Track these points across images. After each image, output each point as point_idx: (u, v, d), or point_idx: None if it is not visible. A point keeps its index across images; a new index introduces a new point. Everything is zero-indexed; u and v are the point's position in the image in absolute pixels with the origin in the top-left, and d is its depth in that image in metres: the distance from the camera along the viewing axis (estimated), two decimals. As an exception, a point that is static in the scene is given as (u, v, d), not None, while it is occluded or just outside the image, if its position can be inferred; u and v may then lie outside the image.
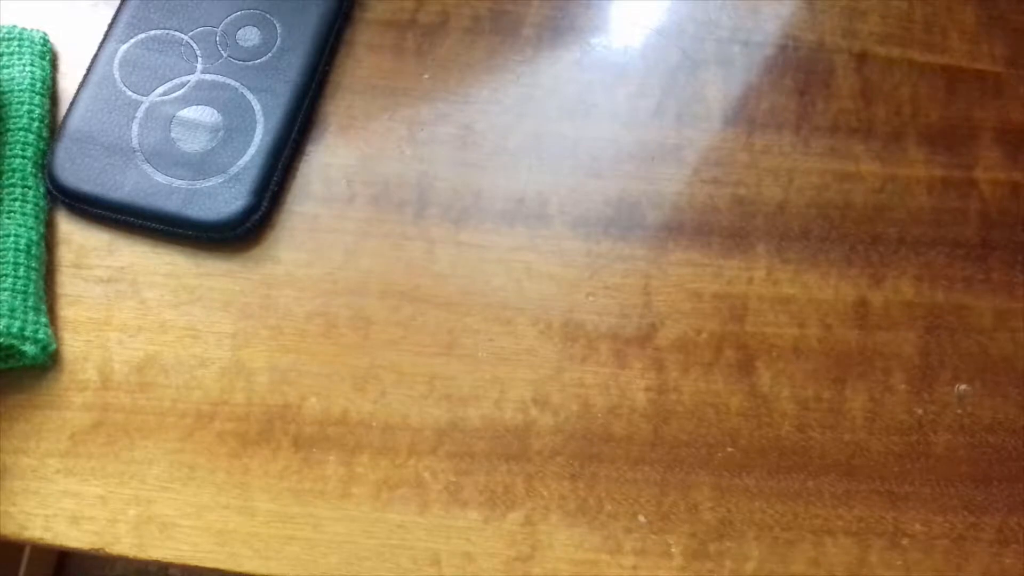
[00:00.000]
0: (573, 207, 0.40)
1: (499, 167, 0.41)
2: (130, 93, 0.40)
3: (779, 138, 0.42)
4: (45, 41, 0.41)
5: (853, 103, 0.43)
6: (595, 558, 0.35)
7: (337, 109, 0.41)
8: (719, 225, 0.40)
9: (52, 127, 0.40)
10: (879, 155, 0.42)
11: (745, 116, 0.42)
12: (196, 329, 0.37)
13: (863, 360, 0.38)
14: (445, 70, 0.42)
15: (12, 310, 0.35)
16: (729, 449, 0.37)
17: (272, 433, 0.36)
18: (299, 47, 0.41)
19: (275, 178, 0.39)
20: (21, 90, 0.39)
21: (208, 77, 0.40)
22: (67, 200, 0.38)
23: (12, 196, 0.37)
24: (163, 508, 0.35)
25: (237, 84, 0.40)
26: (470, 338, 0.38)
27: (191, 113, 0.40)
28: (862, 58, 0.43)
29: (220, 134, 0.39)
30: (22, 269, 0.36)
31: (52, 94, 0.40)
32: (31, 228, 0.37)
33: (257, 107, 0.40)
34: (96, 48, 0.40)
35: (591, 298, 0.39)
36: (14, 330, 0.35)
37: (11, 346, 0.35)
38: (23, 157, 0.38)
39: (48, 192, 0.39)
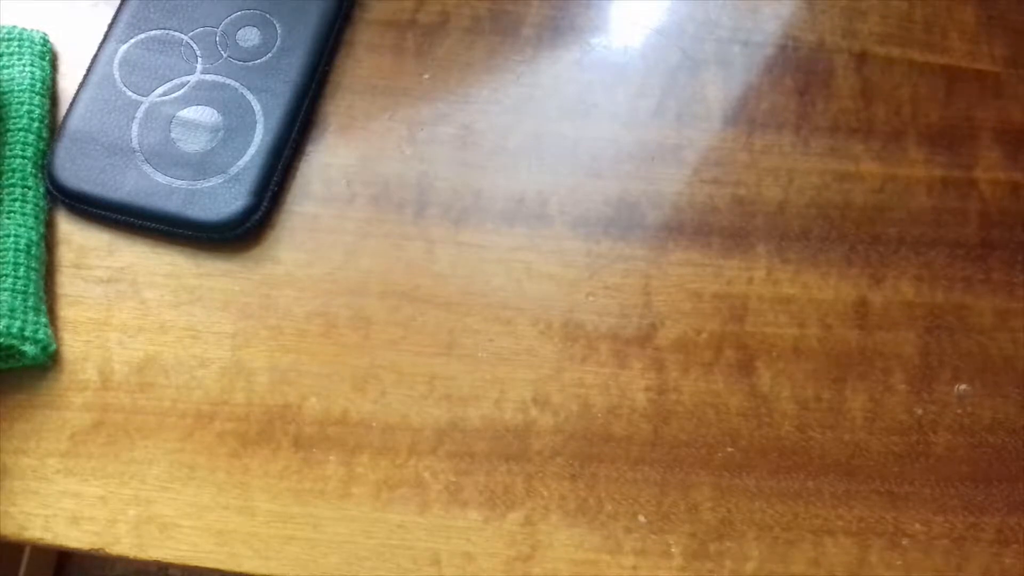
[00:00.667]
0: (573, 207, 0.40)
1: (499, 167, 0.41)
2: (130, 93, 0.40)
3: (779, 138, 0.42)
4: (45, 41, 0.41)
5: (853, 103, 0.43)
6: (595, 558, 0.35)
7: (337, 109, 0.41)
8: (719, 225, 0.40)
9: (52, 127, 0.40)
10: (879, 155, 0.42)
11: (745, 116, 0.42)
12: (196, 329, 0.37)
13: (863, 360, 0.38)
14: (445, 70, 0.42)
15: (12, 310, 0.35)
16: (729, 449, 0.37)
17: (272, 433, 0.36)
18: (299, 47, 0.41)
19: (275, 178, 0.39)
20: (21, 90, 0.39)
21: (208, 77, 0.40)
22: (67, 200, 0.38)
23: (12, 196, 0.37)
24: (163, 508, 0.35)
25: (237, 84, 0.40)
26: (470, 338, 0.38)
27: (191, 113, 0.40)
28: (862, 58, 0.43)
29: (220, 134, 0.39)
30: (22, 269, 0.36)
31: (52, 94, 0.40)
32: (31, 228, 0.37)
33: (257, 107, 0.40)
34: (96, 48, 0.40)
35: (591, 298, 0.39)
36: (14, 330, 0.35)
37: (11, 346, 0.35)
38: (23, 157, 0.38)
39: (48, 192, 0.39)
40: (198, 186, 0.38)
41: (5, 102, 0.39)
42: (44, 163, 0.39)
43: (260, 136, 0.39)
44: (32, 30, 0.41)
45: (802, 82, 0.43)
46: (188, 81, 0.40)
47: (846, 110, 0.42)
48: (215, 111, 0.40)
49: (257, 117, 0.40)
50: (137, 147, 0.39)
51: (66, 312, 0.37)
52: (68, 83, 0.41)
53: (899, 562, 0.36)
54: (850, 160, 0.42)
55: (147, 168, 0.39)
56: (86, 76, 0.40)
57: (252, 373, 0.37)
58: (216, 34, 0.41)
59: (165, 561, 0.35)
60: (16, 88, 0.39)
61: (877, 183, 0.41)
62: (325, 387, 0.37)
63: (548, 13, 0.43)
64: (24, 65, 0.40)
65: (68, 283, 0.38)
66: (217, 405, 0.36)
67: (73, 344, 0.37)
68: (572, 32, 0.43)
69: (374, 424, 0.36)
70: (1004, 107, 0.43)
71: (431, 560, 0.35)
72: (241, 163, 0.39)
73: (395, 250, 0.39)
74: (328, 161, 0.40)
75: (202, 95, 0.40)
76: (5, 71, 0.39)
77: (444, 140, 0.41)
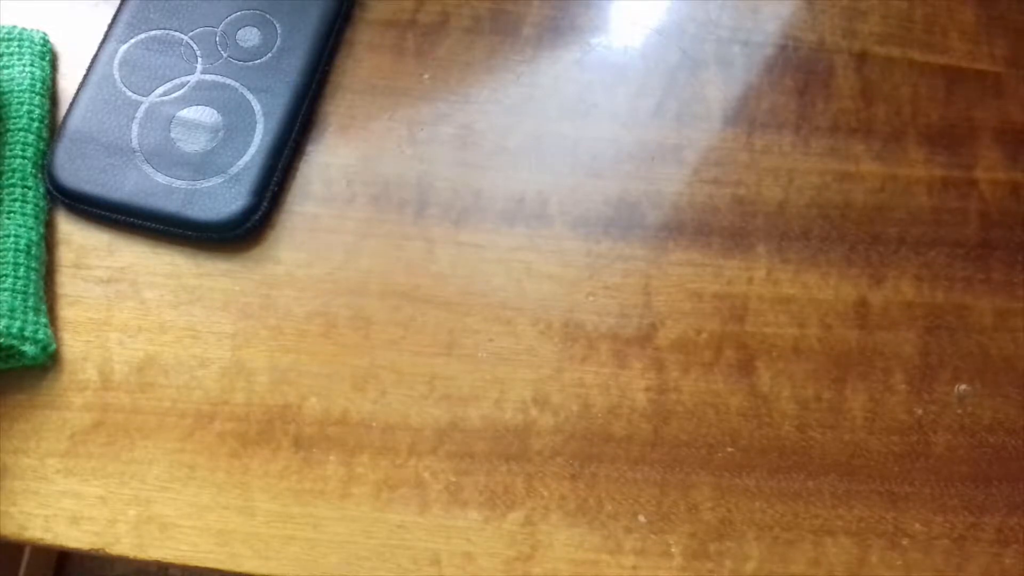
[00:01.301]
0: (573, 207, 0.40)
1: (499, 167, 0.41)
2: (130, 93, 0.40)
3: (779, 138, 0.42)
4: (45, 41, 0.41)
5: (853, 103, 0.43)
6: (595, 558, 0.35)
7: (337, 109, 0.41)
8: (719, 225, 0.40)
9: (52, 127, 0.40)
10: (879, 155, 0.42)
11: (745, 116, 0.42)
12: (196, 329, 0.37)
13: (863, 360, 0.39)
14: (445, 70, 0.42)
15: (12, 310, 0.35)
16: (729, 449, 0.37)
17: (272, 433, 0.36)
18: (299, 47, 0.41)
19: (275, 178, 0.39)
20: (21, 90, 0.39)
21: (208, 77, 0.40)
22: (67, 200, 0.38)
23: (12, 196, 0.37)
24: (163, 508, 0.35)
25: (237, 84, 0.40)
26: (470, 338, 0.38)
27: (191, 113, 0.40)
28: (862, 58, 0.43)
29: (220, 134, 0.39)
30: (22, 269, 0.36)
31: (52, 94, 0.40)
32: (31, 228, 0.37)
33: (257, 107, 0.40)
34: (96, 48, 0.40)
35: (591, 298, 0.39)
36: (14, 330, 0.35)
37: (11, 346, 0.35)
38: (23, 157, 0.38)
39: (48, 192, 0.39)
40: (198, 186, 0.38)
41: (5, 102, 0.39)
42: (44, 163, 0.39)
43: (260, 136, 0.39)
44: (32, 30, 0.41)
45: (802, 82, 0.43)
46: (188, 81, 0.40)
47: (846, 110, 0.42)
48: (215, 111, 0.40)
49: (257, 117, 0.40)
50: (137, 147, 0.39)
51: (66, 312, 0.37)
52: (68, 83, 0.41)
53: (899, 562, 0.36)
54: (850, 160, 0.42)
55: (147, 168, 0.39)
56: (86, 76, 0.40)
57: (252, 373, 0.37)
58: (216, 34, 0.41)
59: (165, 561, 0.35)
60: (16, 88, 0.39)
61: (877, 183, 0.41)
62: (325, 387, 0.37)
63: (548, 13, 0.43)
64: (24, 65, 0.40)
65: (68, 283, 0.38)
66: (217, 405, 0.36)
67: (73, 344, 0.37)
68: (572, 32, 0.43)
69: (374, 424, 0.36)
70: (1004, 107, 0.43)
71: (431, 560, 0.35)
72: (241, 163, 0.39)
73: (395, 250, 0.39)
74: (328, 161, 0.40)
75: (202, 95, 0.40)
76: (5, 71, 0.39)
77: (444, 140, 0.41)
